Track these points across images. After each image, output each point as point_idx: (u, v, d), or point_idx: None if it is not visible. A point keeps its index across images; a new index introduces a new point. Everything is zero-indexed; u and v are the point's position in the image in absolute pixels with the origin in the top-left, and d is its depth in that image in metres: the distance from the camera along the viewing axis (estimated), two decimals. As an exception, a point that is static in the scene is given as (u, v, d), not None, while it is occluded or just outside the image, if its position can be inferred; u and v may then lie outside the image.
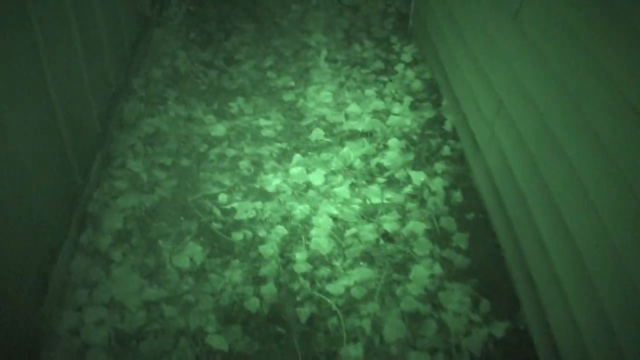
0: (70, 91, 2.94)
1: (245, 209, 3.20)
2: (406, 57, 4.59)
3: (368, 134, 3.80)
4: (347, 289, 2.79)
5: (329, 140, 3.76)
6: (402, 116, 3.92)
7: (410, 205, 3.24)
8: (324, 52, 4.64)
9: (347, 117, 3.95)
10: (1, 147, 2.15)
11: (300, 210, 3.19)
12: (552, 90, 2.44)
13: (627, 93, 1.91)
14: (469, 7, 3.52)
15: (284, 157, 3.62)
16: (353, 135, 3.80)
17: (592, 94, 2.13)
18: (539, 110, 2.55)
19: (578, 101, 2.22)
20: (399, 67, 4.48)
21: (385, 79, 4.39)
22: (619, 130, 1.95)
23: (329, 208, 3.21)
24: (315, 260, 2.93)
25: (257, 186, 3.38)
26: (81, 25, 3.08)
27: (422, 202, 3.27)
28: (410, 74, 4.39)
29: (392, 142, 3.69)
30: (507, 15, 2.88)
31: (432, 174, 3.45)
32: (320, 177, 3.41)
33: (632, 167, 1.88)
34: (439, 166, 3.50)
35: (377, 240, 3.04)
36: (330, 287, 2.80)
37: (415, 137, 3.77)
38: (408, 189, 3.35)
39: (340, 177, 3.43)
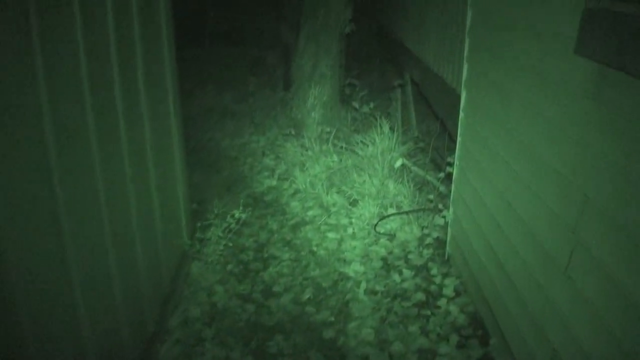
0: (106, 340, 2.85)
1: None
2: (447, 291, 4.48)
3: (415, 379, 3.57)
4: None
5: (374, 388, 3.53)
6: (449, 357, 3.72)
7: None
8: (363, 284, 4.57)
9: (391, 357, 3.75)
10: None
11: None
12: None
13: None
14: (509, 246, 3.47)
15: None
16: (399, 380, 3.58)
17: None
18: None
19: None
20: (442, 302, 4.35)
21: (427, 312, 4.25)
22: None
23: None
24: None
25: None
26: (120, 262, 3.08)
27: None
28: (453, 308, 4.25)
29: (441, 390, 3.46)
30: (556, 270, 2.81)
31: None
32: None
33: None
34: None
35: None
36: None
37: (466, 382, 3.54)
38: None
39: None
